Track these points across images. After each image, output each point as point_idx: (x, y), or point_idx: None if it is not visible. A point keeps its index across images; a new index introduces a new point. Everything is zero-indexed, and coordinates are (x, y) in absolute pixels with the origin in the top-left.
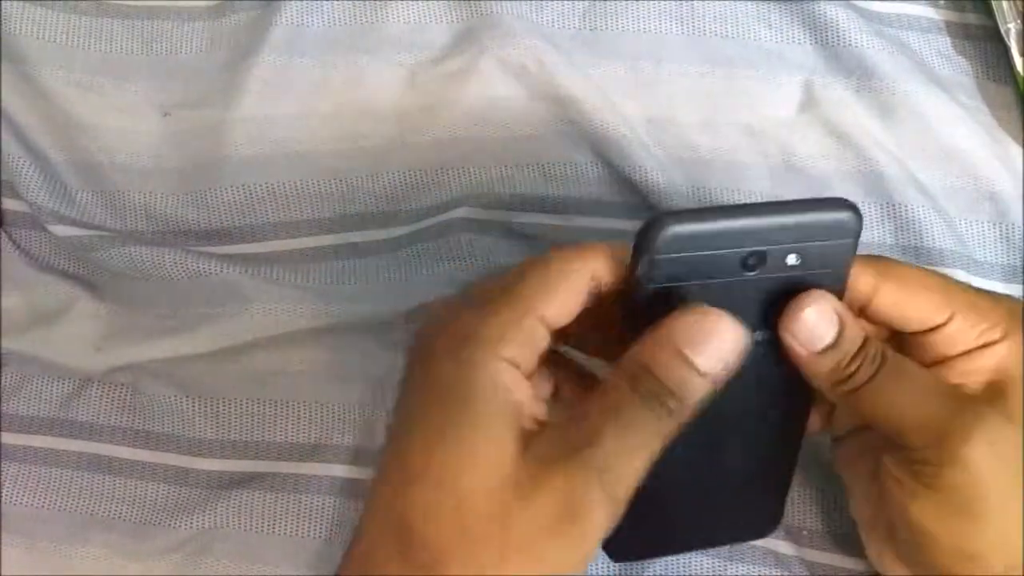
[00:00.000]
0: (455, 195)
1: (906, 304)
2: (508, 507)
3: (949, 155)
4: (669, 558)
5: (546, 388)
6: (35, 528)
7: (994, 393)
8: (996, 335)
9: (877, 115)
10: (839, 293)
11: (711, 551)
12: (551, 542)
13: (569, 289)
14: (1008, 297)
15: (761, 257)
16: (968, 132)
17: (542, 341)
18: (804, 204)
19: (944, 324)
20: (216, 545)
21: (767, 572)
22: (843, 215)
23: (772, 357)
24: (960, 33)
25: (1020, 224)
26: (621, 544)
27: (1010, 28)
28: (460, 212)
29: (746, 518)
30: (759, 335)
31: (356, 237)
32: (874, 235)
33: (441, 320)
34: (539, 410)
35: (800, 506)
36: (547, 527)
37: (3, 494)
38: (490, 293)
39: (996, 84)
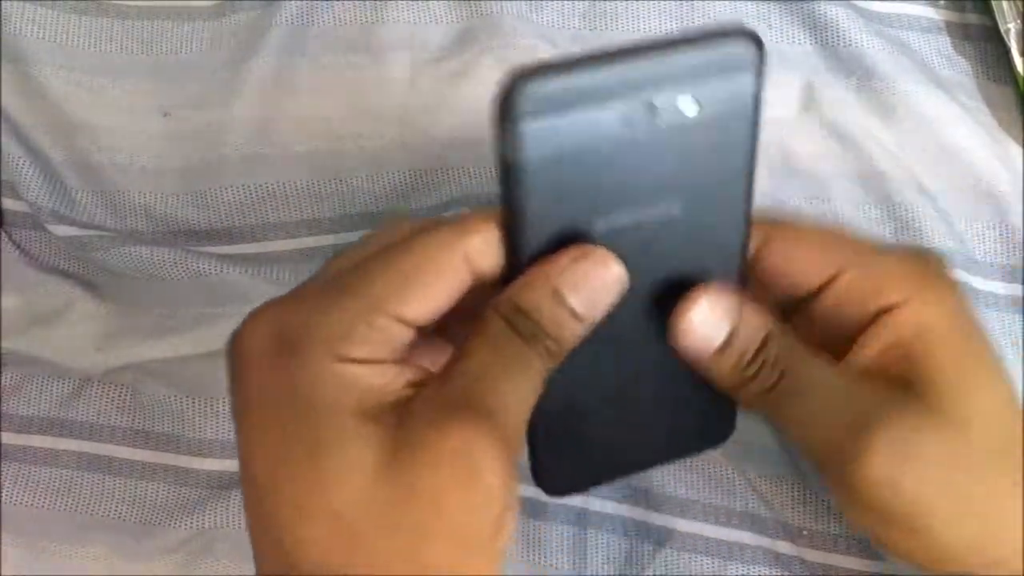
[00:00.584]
0: (455, 195)
1: (790, 262)
2: (390, 505)
3: (949, 155)
4: (669, 559)
5: (415, 373)
6: (35, 528)
7: (905, 377)
8: (894, 297)
9: (877, 115)
10: (746, 148)
11: (710, 550)
12: (458, 508)
13: (434, 282)
14: (920, 252)
15: (649, 108)
16: (968, 132)
17: (401, 338)
18: (693, 38)
19: (831, 283)
20: (216, 545)
21: (767, 572)
22: (738, 45)
23: (683, 236)
24: (960, 33)
25: (1020, 225)
26: (552, 479)
27: (1010, 28)
28: (460, 212)
29: (689, 429)
30: (665, 207)
31: (356, 237)
32: (874, 235)
33: (263, 317)
34: (403, 387)
35: (800, 506)
36: (449, 493)
37: (3, 494)
38: (336, 282)
39: (996, 84)
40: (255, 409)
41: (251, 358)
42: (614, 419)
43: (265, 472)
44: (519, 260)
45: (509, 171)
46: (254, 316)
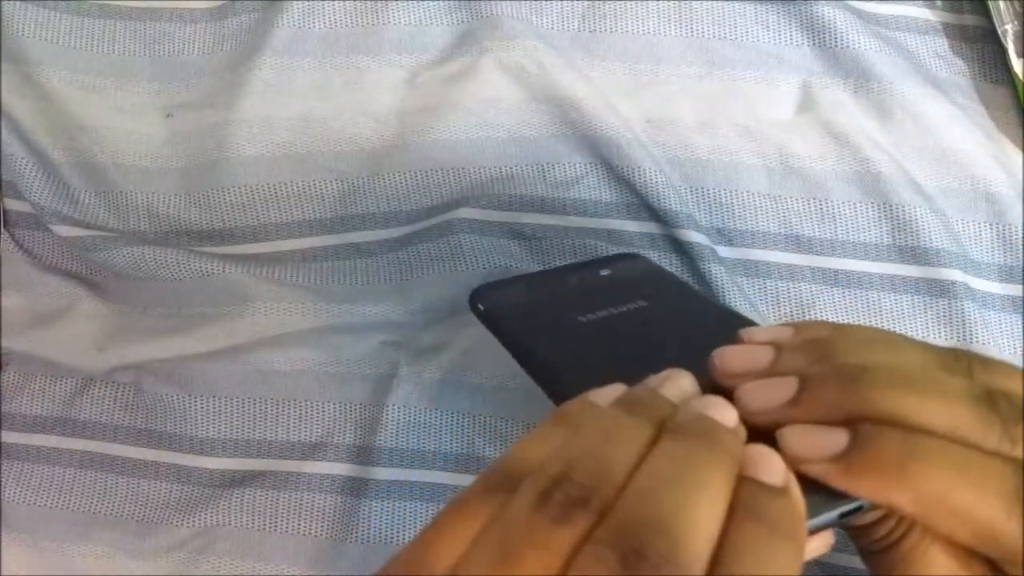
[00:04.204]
0: (455, 195)
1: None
2: None
3: (946, 156)
4: None
5: None
6: (38, 526)
7: None
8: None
9: (875, 116)
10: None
11: None
12: None
13: None
14: None
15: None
16: (965, 133)
17: None
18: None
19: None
20: (218, 543)
21: None
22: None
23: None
24: (957, 34)
25: (1017, 224)
26: None
27: (1007, 29)
28: (460, 212)
29: None
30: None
31: (357, 237)
32: (871, 235)
33: None
34: None
35: None
36: None
37: (6, 492)
38: None
39: (993, 85)
40: None
41: None
42: None
43: None
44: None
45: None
46: None
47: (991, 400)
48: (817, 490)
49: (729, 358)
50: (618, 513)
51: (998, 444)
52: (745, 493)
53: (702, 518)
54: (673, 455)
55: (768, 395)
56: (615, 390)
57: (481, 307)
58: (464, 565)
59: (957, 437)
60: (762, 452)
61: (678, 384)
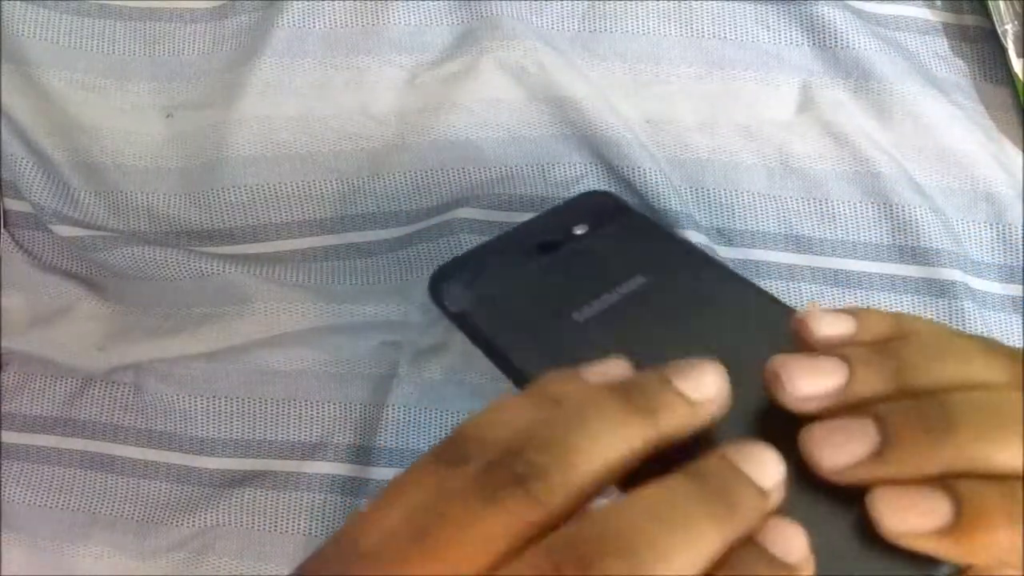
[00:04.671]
0: (455, 196)
1: None
2: None
3: (946, 156)
4: None
5: None
6: (38, 526)
7: None
8: None
9: (874, 116)
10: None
11: None
12: None
13: None
14: None
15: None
16: (965, 133)
17: None
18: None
19: None
20: (218, 543)
21: None
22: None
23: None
24: (957, 34)
25: (1017, 224)
26: None
27: (1007, 29)
28: (460, 212)
29: None
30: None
31: (357, 237)
32: (871, 235)
33: None
34: None
35: None
36: None
37: (6, 492)
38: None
39: (993, 85)
40: None
41: None
42: None
43: None
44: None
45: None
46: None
47: None
48: (897, 556)
49: (797, 374)
50: (583, 523)
51: None
52: (744, 558)
53: (679, 568)
54: (678, 491)
55: (847, 449)
56: (615, 367)
57: (450, 305)
58: (386, 539)
59: None
60: (786, 528)
61: (700, 380)
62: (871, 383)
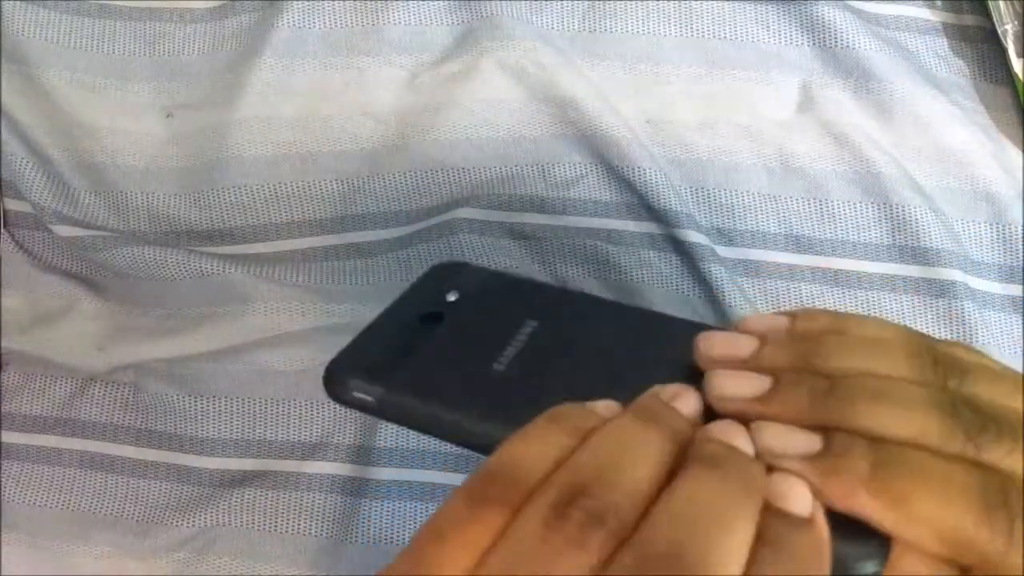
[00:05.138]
0: (455, 196)
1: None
2: None
3: (946, 155)
4: None
5: None
6: (38, 526)
7: None
8: None
9: (874, 116)
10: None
11: None
12: None
13: None
14: None
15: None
16: (965, 132)
17: None
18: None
19: None
20: (218, 543)
21: None
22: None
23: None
24: (957, 34)
25: (1017, 224)
26: None
27: (1007, 29)
28: (460, 212)
29: None
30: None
31: (357, 237)
32: (871, 235)
33: None
34: None
35: None
36: None
37: (6, 492)
38: None
39: (993, 85)
40: None
41: None
42: None
43: None
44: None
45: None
46: None
47: (954, 409)
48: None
49: (712, 342)
50: (644, 539)
51: (961, 450)
52: (771, 524)
53: (733, 553)
54: (708, 485)
55: (740, 386)
56: (610, 407)
57: (362, 395)
58: None
59: (921, 444)
60: (790, 483)
61: (690, 402)
62: (777, 358)
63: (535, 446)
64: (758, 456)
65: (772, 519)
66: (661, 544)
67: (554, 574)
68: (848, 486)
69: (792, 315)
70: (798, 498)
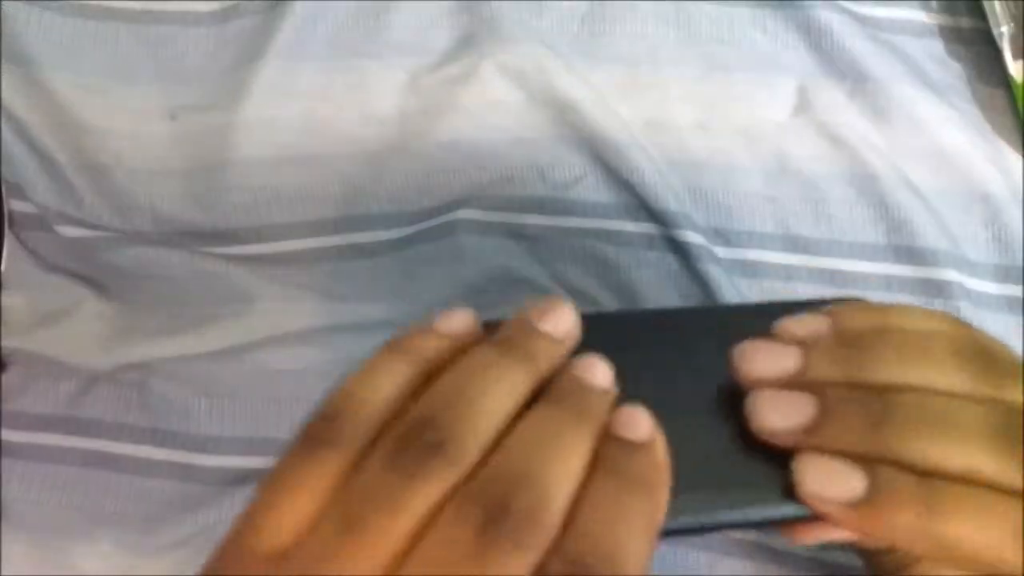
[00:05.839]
0: (456, 197)
1: None
2: None
3: (942, 157)
4: (662, 552)
5: None
6: (41, 525)
7: None
8: None
9: (870, 118)
10: None
11: (704, 546)
12: None
13: None
14: None
15: None
16: (960, 134)
17: None
18: None
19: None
20: None
21: (762, 568)
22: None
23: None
24: (953, 37)
25: (1013, 225)
26: None
27: (1003, 31)
28: (461, 214)
29: None
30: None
31: (360, 238)
32: (868, 236)
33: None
34: None
35: None
36: None
37: (10, 491)
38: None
39: (989, 87)
40: None
41: None
42: None
43: None
44: None
45: None
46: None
47: (1007, 435)
48: (772, 484)
49: (752, 358)
50: (487, 465)
51: (1012, 480)
52: (607, 450)
53: (563, 475)
54: (546, 416)
55: (783, 417)
56: (463, 317)
57: None
58: (306, 541)
59: (973, 477)
60: (631, 413)
61: (559, 319)
62: (823, 369)
63: (375, 379)
64: (800, 491)
65: (609, 444)
66: (497, 472)
67: (394, 510)
68: (894, 532)
69: (832, 314)
70: (636, 426)
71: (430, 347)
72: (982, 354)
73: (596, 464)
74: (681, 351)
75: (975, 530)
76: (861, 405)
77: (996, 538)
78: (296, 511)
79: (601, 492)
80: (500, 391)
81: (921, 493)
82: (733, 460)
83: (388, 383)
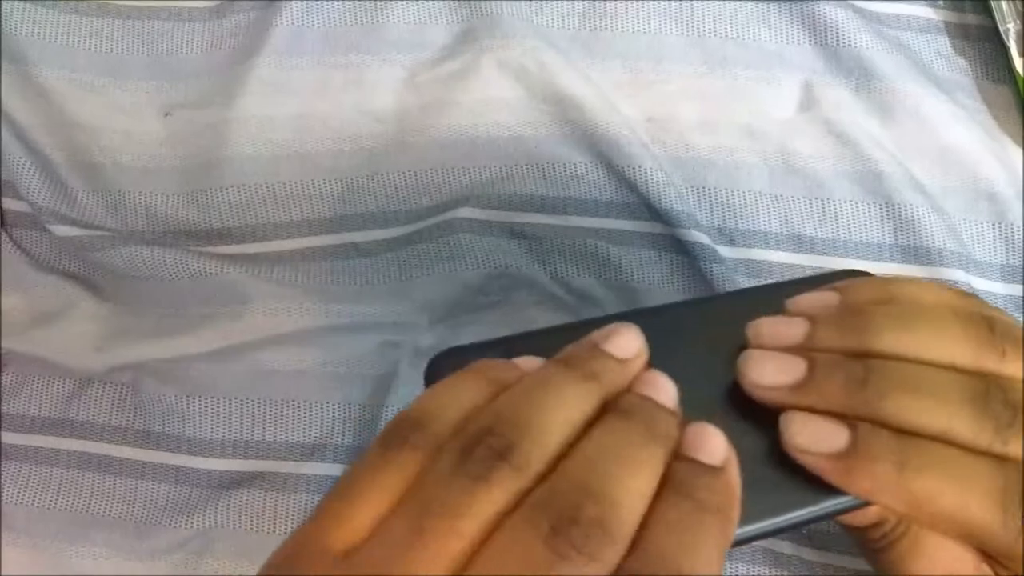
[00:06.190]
0: (455, 195)
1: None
2: None
3: (948, 155)
4: None
5: None
6: (36, 527)
7: None
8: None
9: (876, 115)
10: None
11: None
12: None
13: None
14: None
15: None
16: (967, 132)
17: None
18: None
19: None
20: (216, 544)
21: (765, 571)
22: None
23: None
24: (959, 33)
25: (1019, 224)
26: None
27: (1009, 28)
28: (460, 212)
29: None
30: None
31: (356, 237)
32: (873, 235)
33: None
34: None
35: None
36: None
37: (4, 493)
38: None
39: (995, 84)
40: None
41: None
42: None
43: None
44: None
45: None
46: None
47: (987, 400)
48: (814, 483)
49: (761, 332)
50: (554, 477)
51: (989, 444)
52: (678, 471)
53: (635, 491)
54: (614, 431)
55: (773, 374)
56: (534, 362)
57: None
58: (376, 541)
59: (949, 439)
60: (704, 433)
61: (623, 342)
62: (826, 340)
63: (451, 393)
64: (787, 445)
65: (680, 465)
66: (567, 482)
67: (462, 513)
68: (874, 483)
69: (840, 289)
70: (710, 449)
71: (508, 375)
72: (985, 323)
73: (666, 484)
74: (702, 345)
75: (946, 487)
76: (845, 368)
77: (966, 497)
78: (369, 511)
79: (673, 514)
80: (565, 402)
81: (897, 447)
82: (775, 458)
83: (468, 395)
